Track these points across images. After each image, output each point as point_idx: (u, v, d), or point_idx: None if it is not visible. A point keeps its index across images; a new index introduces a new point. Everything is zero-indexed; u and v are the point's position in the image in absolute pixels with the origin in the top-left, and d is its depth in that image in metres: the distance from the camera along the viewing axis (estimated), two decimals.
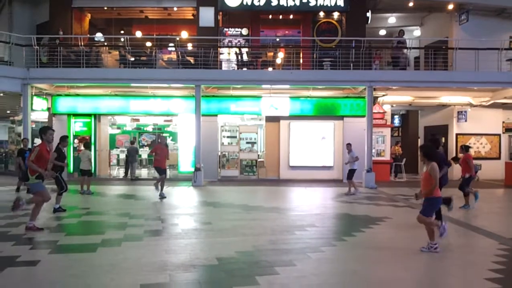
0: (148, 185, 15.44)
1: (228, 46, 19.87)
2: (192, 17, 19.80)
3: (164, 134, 21.89)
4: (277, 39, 20.30)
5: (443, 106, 19.73)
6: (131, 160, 17.77)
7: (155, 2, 18.93)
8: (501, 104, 18.93)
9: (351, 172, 13.75)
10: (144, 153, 21.88)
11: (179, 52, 17.09)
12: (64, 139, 10.45)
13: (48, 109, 17.62)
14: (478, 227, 8.40)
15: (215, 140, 18.06)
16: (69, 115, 17.94)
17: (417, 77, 16.58)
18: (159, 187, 12.22)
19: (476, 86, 16.70)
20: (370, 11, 19.01)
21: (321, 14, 19.19)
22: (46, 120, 18.07)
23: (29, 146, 13.48)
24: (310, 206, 11.19)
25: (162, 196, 12.02)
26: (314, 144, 18.09)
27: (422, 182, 6.56)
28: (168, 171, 18.85)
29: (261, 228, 8.21)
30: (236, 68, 18.06)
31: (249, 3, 18.23)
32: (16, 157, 13.45)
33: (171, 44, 18.50)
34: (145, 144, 22.34)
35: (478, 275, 5.43)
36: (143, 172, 20.28)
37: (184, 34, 19.45)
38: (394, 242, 7.24)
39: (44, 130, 7.99)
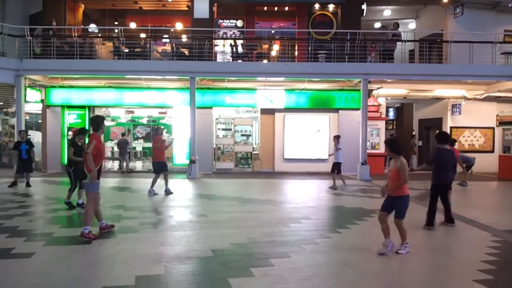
0: (143, 178, 15.44)
1: (223, 38, 19.78)
2: (186, 9, 19.66)
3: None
4: (272, 31, 20.24)
5: (438, 99, 19.80)
6: (122, 152, 17.72)
7: None
8: (495, 98, 19.01)
9: (336, 166, 13.34)
10: (138, 145, 21.80)
11: (174, 44, 16.99)
12: (82, 131, 9.61)
13: (42, 100, 17.48)
14: (471, 219, 8.48)
15: (210, 133, 18.03)
16: (63, 107, 17.80)
17: (412, 70, 16.60)
18: (165, 180, 11.59)
19: (471, 79, 16.76)
20: (365, 3, 18.96)
21: (316, 6, 19.14)
22: (40, 112, 17.95)
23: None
24: (305, 199, 11.22)
25: (154, 193, 11.34)
26: (309, 137, 18.11)
27: (390, 180, 6.10)
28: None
29: (256, 220, 8.24)
30: (231, 60, 18.00)
31: None
32: (13, 149, 13.20)
33: (165, 36, 18.39)
34: (140, 136, 22.25)
35: (471, 266, 5.48)
36: (138, 165, 20.22)
37: (179, 26, 19.33)
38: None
39: (101, 122, 7.08)
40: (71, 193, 9.36)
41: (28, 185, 12.53)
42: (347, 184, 13.73)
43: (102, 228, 7.05)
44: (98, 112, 18.70)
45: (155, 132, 12.92)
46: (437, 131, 8.83)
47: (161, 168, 11.68)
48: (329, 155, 14.46)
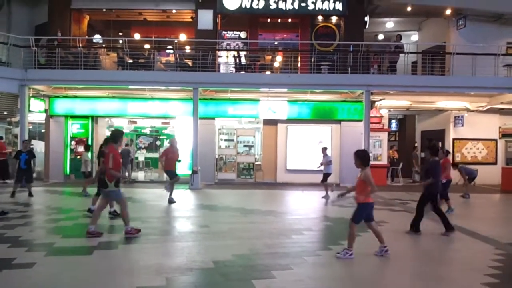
0: (145, 188, 15.46)
1: (226, 49, 19.90)
2: (190, 20, 19.82)
3: (161, 137, 21.89)
4: (275, 43, 20.35)
5: (440, 111, 19.79)
6: (124, 162, 17.71)
7: (153, 4, 18.85)
8: (498, 110, 19.00)
9: (326, 176, 13.78)
10: (141, 155, 21.80)
11: (177, 55, 17.11)
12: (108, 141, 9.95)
13: (46, 110, 17.57)
14: (474, 232, 8.42)
15: (213, 143, 18.06)
16: (66, 116, 17.89)
17: (415, 82, 16.65)
18: (170, 189, 11.90)
19: (473, 91, 16.78)
20: (368, 15, 19.08)
21: (320, 18, 19.24)
22: (43, 121, 18.03)
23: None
24: (307, 210, 11.20)
25: (171, 201, 11.70)
26: (311, 148, 18.08)
27: (356, 189, 6.49)
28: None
29: (258, 231, 8.20)
30: (234, 71, 18.08)
31: (248, 6, 18.22)
32: (13, 158, 13.33)
33: (169, 47, 18.51)
34: (142, 146, 22.27)
35: (475, 279, 5.43)
36: (140, 175, 20.21)
37: (183, 37, 19.48)
38: (390, 247, 7.23)
39: (120, 136, 7.83)
40: (97, 198, 9.31)
41: (30, 195, 12.53)
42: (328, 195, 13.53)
43: (90, 233, 7.40)
44: (101, 122, 18.79)
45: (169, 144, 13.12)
46: (429, 144, 9.11)
47: (171, 175, 12.13)
48: (318, 167, 14.42)
